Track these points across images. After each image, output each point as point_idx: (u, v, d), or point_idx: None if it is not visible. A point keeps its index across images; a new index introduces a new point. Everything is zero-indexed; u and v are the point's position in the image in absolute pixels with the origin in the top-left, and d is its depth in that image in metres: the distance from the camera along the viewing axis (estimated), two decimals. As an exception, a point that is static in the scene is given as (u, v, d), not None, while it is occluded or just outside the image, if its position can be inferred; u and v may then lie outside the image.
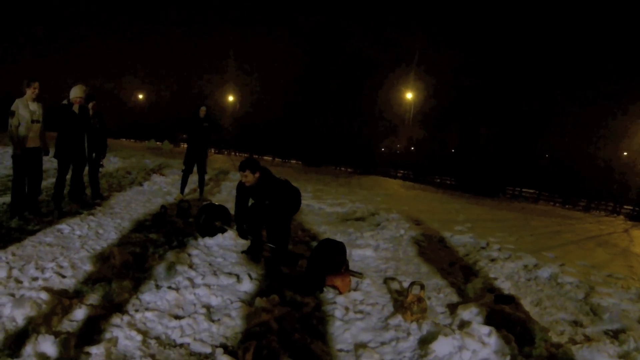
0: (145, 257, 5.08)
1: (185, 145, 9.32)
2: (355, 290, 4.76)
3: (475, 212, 13.09)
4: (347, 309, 4.27)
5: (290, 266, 5.39)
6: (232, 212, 6.39)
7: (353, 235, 7.46)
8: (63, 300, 3.64)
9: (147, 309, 3.79)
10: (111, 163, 13.89)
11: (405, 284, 5.02)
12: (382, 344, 3.65)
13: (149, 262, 4.88)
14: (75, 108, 7.02)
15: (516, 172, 34.66)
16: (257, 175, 5.46)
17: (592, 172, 33.45)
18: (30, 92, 6.24)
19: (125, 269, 4.68)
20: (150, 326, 3.53)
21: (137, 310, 3.75)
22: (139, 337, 3.27)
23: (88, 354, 2.97)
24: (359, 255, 6.24)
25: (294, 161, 42.84)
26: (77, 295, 3.90)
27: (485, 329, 3.59)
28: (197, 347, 3.29)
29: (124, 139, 40.57)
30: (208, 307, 4.00)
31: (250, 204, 5.86)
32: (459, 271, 5.86)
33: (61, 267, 4.49)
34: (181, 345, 3.32)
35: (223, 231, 6.36)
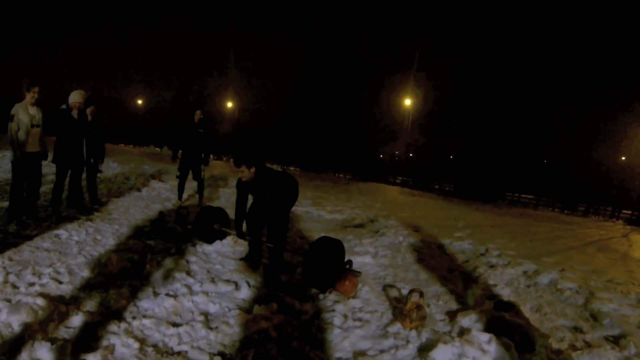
0: (143, 263, 5.05)
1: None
2: (354, 297, 4.74)
3: (475, 218, 13.07)
4: (345, 316, 4.24)
5: (289, 273, 5.37)
6: (231, 214, 6.36)
7: (352, 242, 7.43)
8: (60, 306, 3.62)
9: (144, 316, 3.76)
10: (110, 168, 13.85)
11: (404, 291, 5.00)
12: (381, 351, 3.63)
13: (146, 269, 4.85)
14: (74, 113, 7.01)
15: (515, 178, 34.68)
16: (253, 170, 5.42)
17: (591, 177, 33.46)
18: (30, 97, 6.23)
19: (123, 276, 4.65)
20: (148, 334, 3.50)
21: (134, 318, 3.72)
22: (136, 345, 3.25)
23: (84, 361, 2.95)
24: (358, 262, 6.21)
25: (293, 167, 42.85)
26: (74, 302, 3.87)
27: (485, 336, 3.55)
28: (195, 355, 3.26)
29: (123, 144, 40.57)
30: (206, 315, 3.97)
31: (250, 202, 5.85)
32: (458, 278, 5.83)
33: (58, 272, 4.47)
34: (179, 353, 3.30)
35: (222, 234, 6.34)
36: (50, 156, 6.89)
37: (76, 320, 3.50)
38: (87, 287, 4.28)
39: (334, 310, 4.37)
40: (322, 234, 7.79)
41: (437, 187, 37.73)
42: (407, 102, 38.24)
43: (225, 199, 10.86)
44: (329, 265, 4.84)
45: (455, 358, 3.37)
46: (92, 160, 8.01)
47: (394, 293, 5.03)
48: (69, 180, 7.41)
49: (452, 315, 4.39)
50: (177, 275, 4.78)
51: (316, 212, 10.51)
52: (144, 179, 12.64)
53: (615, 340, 4.09)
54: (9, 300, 3.68)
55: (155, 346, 3.33)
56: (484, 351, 3.42)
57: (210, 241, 6.25)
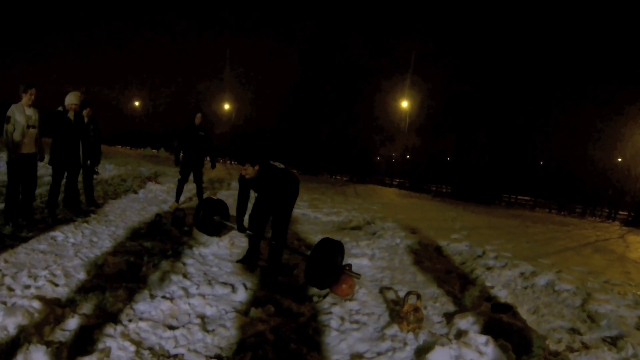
0: (139, 266, 5.04)
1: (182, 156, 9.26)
2: (351, 300, 4.73)
3: (472, 220, 13.08)
4: (342, 319, 4.23)
5: (286, 276, 5.35)
6: (232, 210, 6.35)
7: (349, 245, 7.41)
8: (55, 309, 3.61)
9: (141, 319, 3.74)
10: (106, 170, 13.84)
11: (402, 294, 4.99)
12: (379, 354, 3.62)
13: (143, 271, 4.84)
14: (71, 115, 7.01)
15: (512, 179, 34.76)
16: (256, 168, 5.42)
17: (587, 178, 33.55)
18: (26, 98, 6.23)
19: (119, 278, 4.64)
20: (144, 336, 3.49)
21: (130, 320, 3.70)
22: (133, 348, 3.23)
23: (80, 364, 2.93)
24: (355, 264, 6.17)
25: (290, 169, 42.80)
26: (70, 304, 3.85)
27: (483, 338, 3.54)
28: (192, 358, 3.25)
29: (120, 146, 40.54)
30: (202, 317, 3.96)
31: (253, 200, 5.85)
32: (455, 280, 5.82)
33: (54, 275, 4.44)
34: (175, 356, 3.28)
35: (222, 226, 6.32)
36: (46, 158, 6.88)
37: (72, 323, 3.49)
38: (83, 289, 4.26)
39: (331, 313, 4.36)
40: (319, 236, 7.79)
41: (433, 189, 37.81)
42: (404, 104, 38.29)
43: (224, 200, 10.85)
44: (330, 266, 4.84)
45: None
46: (88, 162, 8.00)
47: (391, 295, 5.01)
48: (65, 182, 7.38)
49: (449, 317, 4.38)
50: (174, 277, 4.76)
51: (313, 214, 10.50)
52: (141, 181, 12.62)
53: (613, 342, 4.09)
54: (4, 303, 3.65)
55: (151, 349, 3.31)
56: (481, 353, 3.41)
57: (210, 233, 6.24)
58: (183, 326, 3.71)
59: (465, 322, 4.09)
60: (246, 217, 5.86)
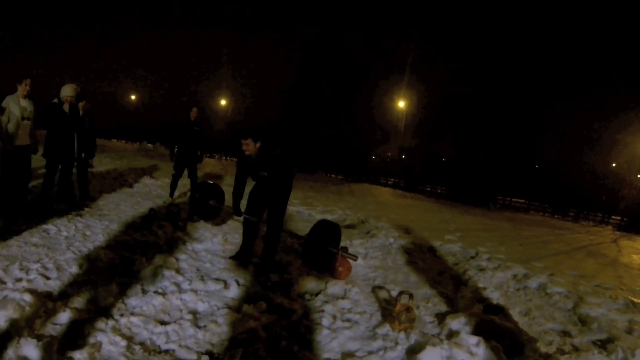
0: (132, 260, 5.02)
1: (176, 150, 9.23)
2: (343, 298, 4.73)
3: (466, 221, 13.12)
4: (334, 317, 4.24)
5: (279, 273, 5.35)
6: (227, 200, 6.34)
7: (342, 244, 7.40)
8: (47, 302, 3.59)
9: (132, 314, 3.73)
10: (101, 164, 13.78)
11: (394, 293, 5.00)
12: (370, 353, 3.62)
13: (136, 266, 4.82)
14: (66, 107, 6.98)
15: (507, 182, 34.85)
16: (258, 145, 5.42)
17: (581, 182, 33.71)
18: (21, 89, 6.21)
19: (112, 272, 4.63)
20: (136, 331, 3.48)
21: (122, 315, 3.69)
22: (124, 343, 3.22)
23: (71, 358, 2.92)
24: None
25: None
26: (61, 298, 3.83)
27: (474, 339, 3.55)
28: (183, 354, 3.24)
29: (115, 140, 40.37)
30: (194, 313, 3.96)
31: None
32: (448, 280, 5.85)
33: (46, 268, 4.42)
34: (166, 351, 3.27)
35: (217, 209, 6.30)
36: (40, 150, 6.85)
37: (63, 316, 3.47)
38: (75, 283, 4.24)
39: (323, 311, 4.36)
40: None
41: (428, 189, 37.86)
42: (401, 104, 38.33)
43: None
44: (326, 247, 4.84)
45: None
46: (83, 155, 7.95)
47: (383, 295, 5.02)
48: (59, 175, 7.35)
49: (441, 318, 4.39)
50: (166, 272, 4.75)
51: (307, 212, 10.50)
52: (136, 176, 12.58)
53: (603, 345, 4.12)
54: (-5, 296, 3.64)
55: (142, 344, 3.31)
56: (472, 354, 3.42)
57: (205, 217, 6.21)
58: (175, 322, 3.70)
59: (457, 322, 4.10)
60: (242, 203, 5.84)
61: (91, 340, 3.22)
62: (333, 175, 40.64)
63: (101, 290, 4.03)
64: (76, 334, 3.29)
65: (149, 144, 36.27)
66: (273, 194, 5.54)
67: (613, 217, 29.30)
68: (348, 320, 4.23)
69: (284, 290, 4.83)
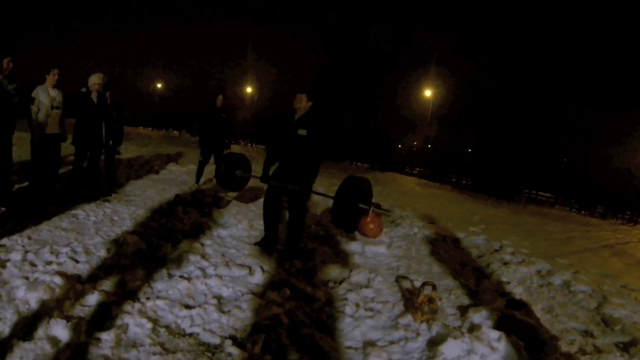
0: (158, 245, 5.10)
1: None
2: (366, 287, 4.74)
3: (490, 213, 13.01)
4: (357, 305, 4.25)
5: (305, 260, 5.39)
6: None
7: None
8: (76, 285, 3.68)
9: (158, 297, 3.80)
10: (128, 151, 13.98)
11: (417, 283, 4.99)
12: (391, 343, 3.63)
13: (162, 251, 4.91)
14: (94, 96, 7.09)
15: (533, 175, 34.30)
16: (310, 104, 5.45)
17: (610, 179, 32.99)
18: (50, 79, 6.35)
19: (138, 257, 4.71)
20: (161, 314, 3.55)
21: (148, 298, 3.77)
22: (149, 325, 3.29)
23: (98, 339, 3.00)
24: (372, 251, 6.21)
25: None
26: (90, 281, 3.92)
27: (495, 334, 3.54)
28: (207, 338, 3.30)
29: (142, 127, 40.86)
30: (219, 298, 4.02)
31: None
32: (471, 273, 5.80)
33: (75, 252, 4.52)
34: (190, 334, 3.33)
35: (243, 180, 6.30)
36: (69, 138, 6.98)
37: (92, 299, 3.56)
38: (103, 267, 4.34)
39: (346, 299, 4.37)
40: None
41: (454, 180, 37.50)
42: (427, 93, 38.05)
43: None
44: (356, 203, 4.76)
45: (464, 354, 3.36)
46: (110, 143, 8.08)
47: (406, 284, 5.01)
48: (87, 162, 7.49)
49: (463, 311, 4.37)
50: (192, 258, 4.83)
51: (332, 200, 10.48)
52: (162, 162, 12.75)
53: (625, 348, 4.03)
54: (27, 278, 3.73)
55: (167, 327, 3.37)
56: (493, 349, 3.41)
57: (232, 189, 6.20)
58: (199, 306, 3.76)
59: (478, 316, 4.08)
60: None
61: (118, 322, 3.30)
62: (359, 164, 40.52)
63: (128, 273, 4.12)
64: (104, 316, 3.37)
65: (174, 131, 36.66)
66: (308, 150, 5.42)
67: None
68: (371, 309, 4.24)
69: (307, 278, 4.86)
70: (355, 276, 4.96)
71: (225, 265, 4.80)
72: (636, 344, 4.05)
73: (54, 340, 2.89)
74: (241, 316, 3.70)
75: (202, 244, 5.44)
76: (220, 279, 4.37)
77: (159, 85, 57.80)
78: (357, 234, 4.95)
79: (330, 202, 4.94)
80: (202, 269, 4.60)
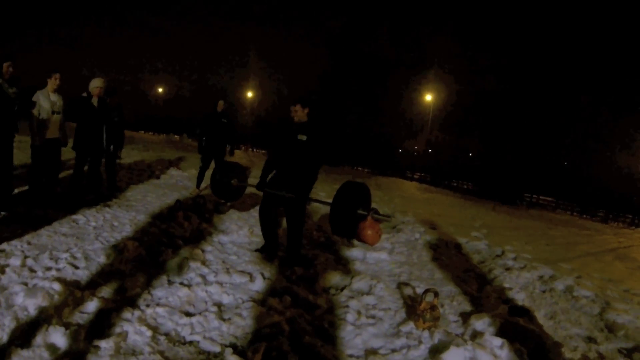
0: (158, 251, 5.08)
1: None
2: (368, 294, 4.71)
3: (492, 218, 12.97)
4: (359, 313, 4.22)
5: (305, 267, 5.37)
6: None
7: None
8: (75, 291, 3.65)
9: (158, 305, 3.78)
10: (129, 156, 13.97)
11: (419, 290, 4.96)
12: (393, 351, 3.60)
13: (162, 257, 4.89)
14: (94, 101, 7.09)
15: (535, 179, 34.30)
16: (306, 111, 5.43)
17: (612, 182, 32.99)
18: (51, 83, 6.35)
19: (138, 263, 4.69)
20: (161, 322, 3.52)
21: (148, 306, 3.74)
22: (149, 333, 3.26)
23: (97, 347, 2.97)
24: (374, 258, 6.20)
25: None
26: (89, 287, 3.91)
27: (498, 341, 3.51)
28: (207, 346, 3.27)
29: (143, 132, 40.93)
30: (219, 305, 3.99)
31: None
32: (473, 279, 5.77)
33: (75, 257, 4.50)
34: (190, 342, 3.31)
35: (239, 189, 6.28)
36: (70, 143, 6.97)
37: (91, 306, 3.54)
38: (103, 273, 4.32)
39: (347, 306, 4.35)
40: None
41: (455, 184, 37.50)
42: (428, 97, 38.09)
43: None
44: (355, 210, 4.73)
45: None
46: (111, 148, 8.07)
47: (408, 291, 4.98)
48: (88, 167, 7.48)
49: (465, 317, 4.34)
50: (192, 264, 4.80)
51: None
52: (162, 167, 12.74)
53: (629, 354, 4.00)
54: (25, 284, 3.70)
55: (167, 335, 3.35)
56: (496, 356, 3.38)
57: (227, 198, 6.20)
58: (200, 313, 3.74)
59: (481, 323, 4.05)
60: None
61: (117, 329, 3.27)
62: (360, 169, 40.55)
63: (128, 280, 4.10)
64: (103, 323, 3.34)
65: (175, 136, 36.73)
66: (308, 156, 5.43)
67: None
68: (372, 316, 4.21)
69: (309, 285, 4.84)
70: (356, 283, 4.93)
71: (226, 272, 4.77)
72: (640, 350, 4.02)
73: (52, 348, 2.87)
74: (242, 324, 3.67)
75: (203, 250, 5.42)
76: (220, 286, 4.35)
77: (160, 90, 57.93)
78: (357, 240, 4.89)
79: (328, 209, 4.89)
80: (203, 276, 4.58)
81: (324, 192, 12.04)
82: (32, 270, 4.06)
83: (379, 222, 4.76)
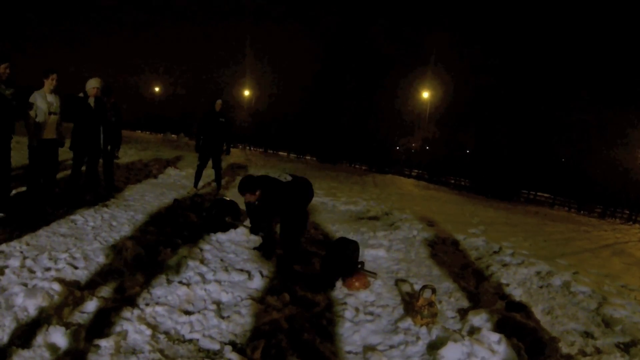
0: (157, 250, 5.10)
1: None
2: (366, 291, 4.75)
3: (489, 215, 13.00)
4: (357, 310, 4.26)
5: (303, 265, 5.40)
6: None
7: (366, 235, 7.42)
8: (75, 291, 3.68)
9: (157, 304, 3.81)
10: (126, 155, 13.97)
11: (417, 287, 4.98)
12: (391, 347, 3.64)
13: (161, 256, 4.91)
14: (91, 101, 7.09)
15: (531, 175, 34.30)
16: (258, 193, 5.50)
17: (609, 178, 32.98)
18: (48, 84, 6.35)
19: (137, 263, 4.71)
20: (160, 321, 3.55)
21: (147, 304, 3.77)
22: (149, 332, 3.30)
23: (97, 346, 3.01)
24: (372, 255, 6.22)
25: (309, 157, 42.81)
26: (89, 287, 3.93)
27: (495, 337, 3.54)
28: (206, 344, 3.30)
29: (140, 131, 40.87)
30: (218, 304, 4.02)
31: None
32: (470, 275, 5.80)
33: (74, 258, 4.52)
34: (190, 340, 3.34)
35: (233, 227, 6.38)
36: (67, 143, 6.98)
37: (90, 305, 3.56)
38: (102, 273, 4.34)
39: (345, 304, 4.39)
40: (337, 225, 7.84)
41: (452, 181, 37.52)
42: (425, 94, 38.09)
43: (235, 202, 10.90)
44: (342, 266, 4.92)
45: (464, 357, 3.36)
46: (108, 148, 8.09)
47: (406, 288, 5.01)
48: (85, 167, 7.49)
49: (463, 313, 4.38)
50: (191, 263, 4.83)
51: (331, 203, 10.53)
52: (160, 166, 12.76)
53: (626, 348, 4.02)
54: (25, 285, 3.73)
55: (167, 333, 3.38)
56: (493, 351, 3.41)
57: (217, 230, 6.30)
58: (199, 312, 3.77)
59: (478, 319, 4.08)
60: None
61: (117, 328, 3.31)
62: (357, 166, 40.56)
63: (127, 279, 4.13)
64: (103, 323, 3.37)
65: (172, 135, 36.68)
66: (287, 220, 5.65)
67: (641, 214, 28.63)
68: (370, 313, 4.25)
69: (307, 282, 4.85)
70: (354, 280, 4.95)
71: (225, 270, 4.80)
72: (637, 344, 4.05)
73: (52, 348, 2.90)
74: (241, 322, 3.71)
75: (201, 249, 5.44)
76: (219, 284, 4.38)
77: (157, 89, 57.83)
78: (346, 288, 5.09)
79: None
80: (201, 275, 4.60)
81: (322, 191, 12.09)
82: (31, 271, 4.08)
83: (365, 275, 4.93)
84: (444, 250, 6.99)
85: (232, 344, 3.36)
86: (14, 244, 4.73)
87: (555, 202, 32.21)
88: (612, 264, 7.69)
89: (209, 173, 10.02)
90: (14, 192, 6.50)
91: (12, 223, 5.39)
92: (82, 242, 5.14)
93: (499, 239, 7.98)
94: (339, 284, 4.85)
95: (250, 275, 4.74)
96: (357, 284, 4.79)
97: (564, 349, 3.87)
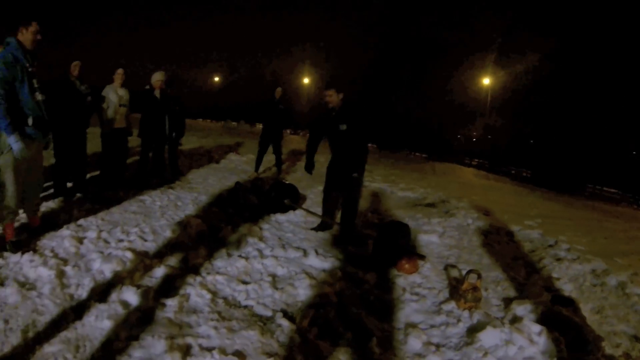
0: (219, 228, 5.49)
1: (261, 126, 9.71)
2: (415, 273, 4.90)
3: (549, 207, 12.67)
4: (404, 289, 4.41)
5: (357, 246, 5.54)
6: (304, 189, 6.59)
7: (420, 221, 7.46)
8: (145, 259, 4.13)
9: (217, 273, 4.16)
10: (189, 142, 14.47)
11: (465, 272, 5.06)
12: (432, 326, 3.77)
13: (222, 233, 5.28)
14: (157, 93, 7.72)
15: (598, 169, 32.88)
16: (341, 96, 5.52)
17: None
18: (117, 79, 6.94)
19: (201, 238, 5.11)
20: (220, 288, 3.90)
21: (208, 273, 4.13)
22: (209, 296, 3.64)
23: (164, 304, 3.40)
24: (424, 240, 6.29)
25: (370, 145, 42.56)
26: (157, 257, 4.37)
27: (537, 328, 3.53)
28: (260, 310, 3.59)
29: (201, 120, 41.97)
30: (274, 276, 4.30)
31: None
32: (521, 267, 5.72)
33: (143, 232, 4.97)
34: (245, 306, 3.64)
35: (292, 208, 6.64)
36: (135, 132, 7.53)
37: (158, 272, 3.98)
38: (169, 245, 4.75)
39: (394, 283, 4.55)
40: (393, 211, 7.94)
41: (513, 171, 36.54)
42: (486, 81, 37.09)
43: (302, 172, 11.06)
44: (393, 247, 5.01)
45: (502, 343, 3.39)
46: (173, 135, 8.58)
47: (454, 273, 5.08)
48: (152, 153, 8.11)
49: (507, 303, 4.36)
50: (250, 240, 5.16)
51: (389, 189, 10.58)
52: (221, 152, 13.21)
53: (676, 359, 3.88)
54: (101, 252, 4.20)
55: (225, 299, 3.70)
56: (532, 342, 3.41)
57: (275, 212, 6.56)
58: (255, 282, 4.08)
59: (522, 309, 4.05)
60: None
61: (181, 291, 3.68)
62: (416, 154, 40.16)
63: (191, 252, 4.51)
64: (169, 286, 3.77)
65: (232, 122, 37.46)
66: (352, 141, 5.60)
67: None
68: (416, 294, 4.37)
69: (359, 262, 5.02)
70: (405, 262, 5.08)
71: (282, 247, 5.09)
72: (689, 355, 3.88)
73: (125, 304, 3.32)
74: (293, 293, 3.97)
75: (261, 228, 5.76)
76: (276, 259, 4.66)
77: (217, 79, 59.23)
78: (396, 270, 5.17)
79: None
80: (260, 250, 4.91)
81: (380, 177, 12.20)
82: (106, 242, 4.56)
83: (415, 259, 5.02)
84: (497, 240, 6.95)
85: (284, 312, 3.61)
86: (91, 219, 5.24)
87: (623, 199, 30.83)
88: (677, 268, 7.39)
89: (269, 158, 10.33)
90: (89, 176, 7.03)
91: (88, 202, 5.95)
92: (150, 218, 5.58)
93: (555, 233, 7.81)
94: (389, 265, 4.99)
95: (305, 253, 4.97)
96: (407, 266, 4.90)
97: (608, 350, 3.75)
